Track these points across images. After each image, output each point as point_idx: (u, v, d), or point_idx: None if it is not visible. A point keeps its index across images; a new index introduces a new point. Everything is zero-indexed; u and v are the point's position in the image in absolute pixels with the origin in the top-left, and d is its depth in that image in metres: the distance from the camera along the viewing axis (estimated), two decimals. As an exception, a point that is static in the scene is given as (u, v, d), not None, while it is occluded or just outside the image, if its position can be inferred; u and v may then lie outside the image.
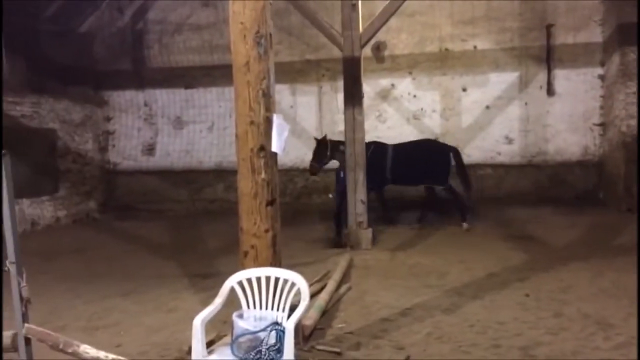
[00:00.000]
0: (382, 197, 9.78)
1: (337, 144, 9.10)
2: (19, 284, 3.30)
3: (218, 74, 12.31)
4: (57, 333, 3.43)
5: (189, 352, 4.22)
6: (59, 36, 11.76)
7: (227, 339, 3.90)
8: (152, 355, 4.30)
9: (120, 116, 13.28)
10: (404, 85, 11.93)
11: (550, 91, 11.23)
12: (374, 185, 8.79)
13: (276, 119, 4.12)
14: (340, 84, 8.51)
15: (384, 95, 12.02)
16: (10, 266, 3.31)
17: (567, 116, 11.21)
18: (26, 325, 3.29)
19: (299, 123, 12.14)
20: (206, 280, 6.57)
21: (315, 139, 9.40)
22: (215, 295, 3.56)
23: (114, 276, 7.09)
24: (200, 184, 12.91)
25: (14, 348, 3.31)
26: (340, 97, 9.19)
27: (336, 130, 11.88)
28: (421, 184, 9.66)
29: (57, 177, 11.49)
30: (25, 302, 3.31)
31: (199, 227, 10.50)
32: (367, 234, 7.89)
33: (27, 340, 3.29)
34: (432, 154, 9.32)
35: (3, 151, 3.36)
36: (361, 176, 7.94)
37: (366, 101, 9.15)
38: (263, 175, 4.06)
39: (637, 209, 8.26)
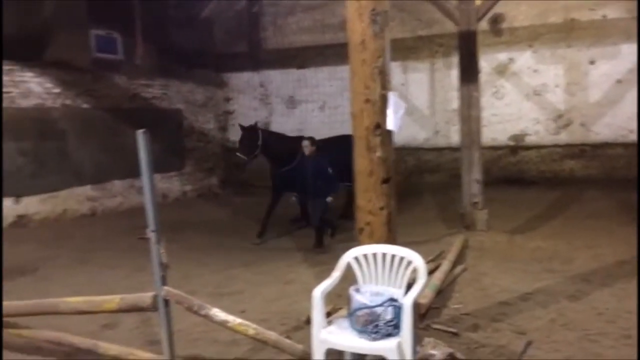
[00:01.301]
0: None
1: (271, 136, 8.43)
2: (158, 250, 3.62)
3: (330, 53, 12.42)
4: (193, 296, 3.73)
5: (307, 321, 4.42)
6: (183, 23, 12.53)
7: (343, 312, 4.02)
8: (273, 323, 4.54)
9: (238, 97, 13.91)
10: (524, 59, 11.27)
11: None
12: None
13: (392, 97, 4.10)
14: (454, 59, 8.26)
15: (501, 70, 11.44)
16: (150, 234, 3.63)
17: None
18: (165, 287, 3.60)
19: (410, 101, 11.94)
20: (320, 255, 6.77)
21: (241, 126, 8.23)
22: (328, 269, 3.68)
23: (235, 248, 7.54)
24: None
25: (154, 308, 3.64)
26: (454, 73, 8.91)
27: (449, 107, 11.56)
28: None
29: (184, 154, 12.37)
30: (164, 266, 3.62)
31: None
32: (482, 215, 7.64)
33: (166, 302, 3.60)
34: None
35: (143, 129, 3.68)
36: (476, 155, 7.68)
37: (482, 77, 8.79)
38: (379, 153, 4.06)
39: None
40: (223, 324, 3.59)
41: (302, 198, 7.71)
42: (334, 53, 11.99)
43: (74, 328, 4.38)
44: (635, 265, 5.59)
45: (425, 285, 3.56)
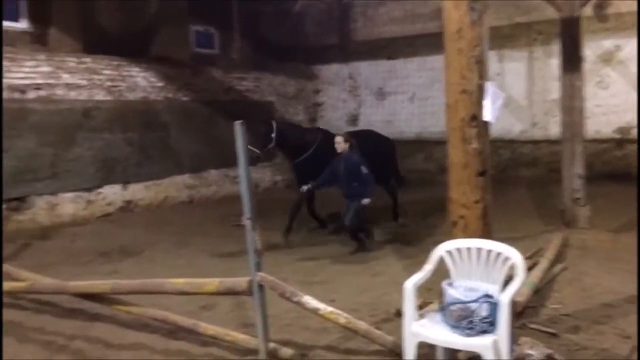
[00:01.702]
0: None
1: (287, 128, 7.97)
2: (254, 237, 3.76)
3: (420, 43, 12.21)
4: (286, 283, 3.84)
5: (397, 314, 4.41)
6: (276, 18, 12.81)
7: (434, 306, 3.96)
8: (362, 314, 4.56)
9: (327, 89, 14.04)
10: (631, 46, 10.45)
11: None
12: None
13: (490, 87, 3.96)
14: (555, 47, 7.83)
15: (607, 58, 10.70)
16: (246, 221, 3.78)
17: None
18: (259, 273, 3.74)
19: (506, 91, 11.44)
20: (409, 247, 6.72)
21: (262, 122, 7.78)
22: (417, 262, 3.64)
23: (324, 238, 7.65)
24: (401, 154, 13.03)
25: (250, 293, 3.79)
26: (554, 62, 8.45)
27: (548, 98, 10.98)
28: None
29: (275, 145, 12.70)
30: (259, 253, 3.76)
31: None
32: (584, 212, 7.21)
33: (260, 287, 3.74)
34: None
35: (240, 120, 3.82)
36: (579, 148, 7.25)
37: (586, 66, 8.25)
38: (474, 145, 3.94)
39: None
40: (314, 312, 3.68)
41: (318, 187, 7.14)
42: (424, 43, 11.78)
43: (174, 308, 4.66)
44: None
45: (523, 283, 3.43)
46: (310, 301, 3.64)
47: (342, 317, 3.60)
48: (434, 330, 3.25)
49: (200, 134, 10.70)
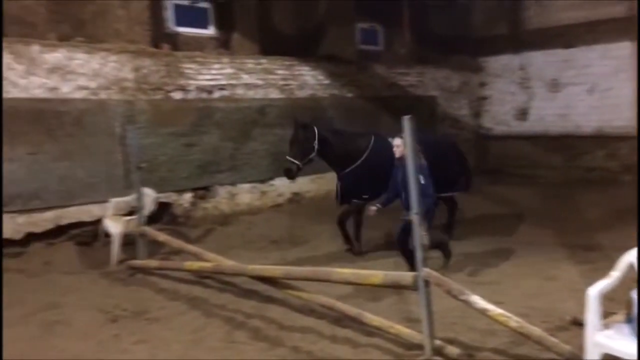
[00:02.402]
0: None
1: (332, 133, 6.86)
2: (420, 232, 3.76)
3: (603, 29, 11.08)
4: (452, 280, 3.79)
5: (573, 322, 4.11)
6: (442, 9, 12.56)
7: (618, 317, 3.60)
8: (533, 320, 4.29)
9: (494, 81, 13.41)
10: None
11: None
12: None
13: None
14: None
15: None
16: (413, 216, 3.79)
17: None
18: (425, 269, 3.73)
19: None
20: (588, 252, 6.18)
21: (297, 122, 6.73)
22: (595, 268, 3.33)
23: (488, 237, 7.35)
24: (577, 151, 12.01)
25: (415, 288, 3.80)
26: None
27: None
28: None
29: (436, 141, 12.50)
30: (425, 248, 3.75)
31: (574, 196, 9.83)
32: None
33: (426, 283, 3.73)
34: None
35: (408, 115, 3.83)
36: None
37: None
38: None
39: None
40: (483, 312, 3.57)
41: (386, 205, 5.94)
42: (608, 29, 10.67)
43: (334, 295, 4.85)
44: None
45: None
46: (479, 301, 3.55)
47: (513, 320, 3.44)
48: (622, 342, 2.97)
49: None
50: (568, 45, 11.99)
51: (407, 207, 5.27)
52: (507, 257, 6.36)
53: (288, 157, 6.62)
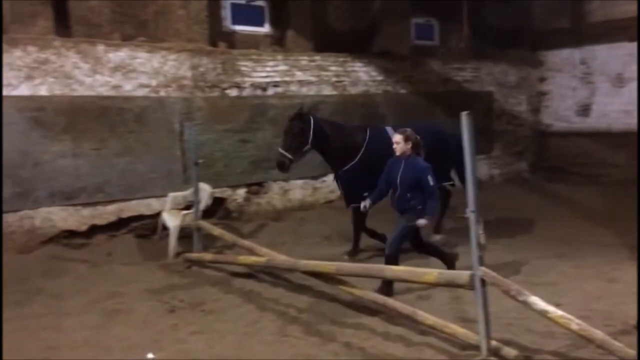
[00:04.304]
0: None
1: (328, 125, 6.44)
2: (477, 230, 3.68)
3: (672, 21, 10.48)
4: (510, 280, 3.69)
5: (637, 327, 3.93)
6: (500, 1, 12.22)
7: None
8: (595, 323, 4.12)
9: (554, 76, 12.95)
10: None
11: None
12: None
13: None
14: None
15: None
16: (470, 214, 3.72)
17: None
18: (482, 268, 3.65)
19: None
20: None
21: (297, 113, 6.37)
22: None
23: (547, 237, 7.14)
24: (644, 149, 11.44)
25: (471, 287, 3.73)
26: None
27: None
28: None
29: (492, 137, 12.20)
30: (481, 247, 3.67)
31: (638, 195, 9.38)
32: None
33: (483, 282, 3.65)
34: None
35: (467, 111, 3.75)
36: None
37: None
38: None
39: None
40: (542, 314, 3.47)
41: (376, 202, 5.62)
42: (679, 19, 10.07)
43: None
44: None
45: None
46: (538, 302, 3.44)
47: (574, 322, 3.33)
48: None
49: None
50: (633, 38, 11.41)
51: (398, 207, 5.25)
52: (566, 257, 6.14)
53: (279, 150, 6.33)
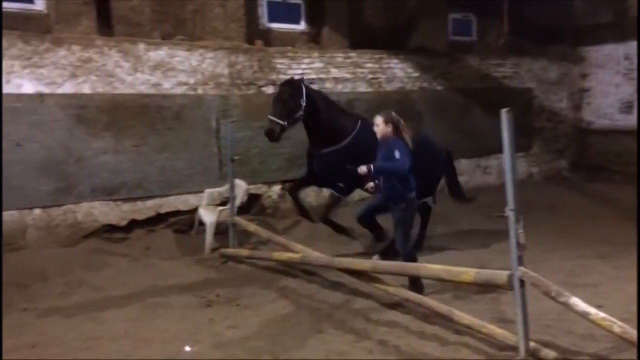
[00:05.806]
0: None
1: (322, 98, 6.21)
2: (517, 230, 3.62)
3: None
4: (550, 281, 3.62)
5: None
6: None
7: None
8: (636, 325, 4.04)
9: (597, 73, 12.57)
10: None
11: None
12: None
13: None
14: None
15: None
16: (510, 213, 3.66)
17: None
18: (521, 268, 3.59)
19: None
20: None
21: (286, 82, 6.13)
22: None
23: (588, 237, 6.97)
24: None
25: (509, 287, 3.67)
26: None
27: None
28: None
29: (532, 135, 11.94)
30: (521, 247, 3.61)
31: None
32: None
33: (522, 283, 3.59)
34: None
35: (507, 108, 3.68)
36: None
37: None
38: None
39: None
40: (584, 316, 3.39)
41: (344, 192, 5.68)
42: None
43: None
44: None
45: None
46: (580, 304, 3.37)
47: (617, 325, 3.24)
48: None
49: (453, 123, 10.62)
50: (680, 32, 10.99)
51: (387, 195, 5.15)
52: (608, 258, 5.98)
53: (270, 117, 5.98)
